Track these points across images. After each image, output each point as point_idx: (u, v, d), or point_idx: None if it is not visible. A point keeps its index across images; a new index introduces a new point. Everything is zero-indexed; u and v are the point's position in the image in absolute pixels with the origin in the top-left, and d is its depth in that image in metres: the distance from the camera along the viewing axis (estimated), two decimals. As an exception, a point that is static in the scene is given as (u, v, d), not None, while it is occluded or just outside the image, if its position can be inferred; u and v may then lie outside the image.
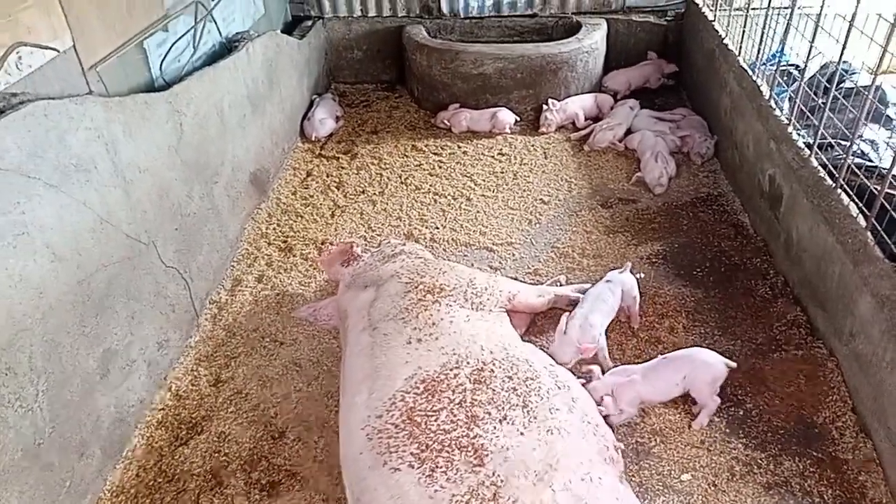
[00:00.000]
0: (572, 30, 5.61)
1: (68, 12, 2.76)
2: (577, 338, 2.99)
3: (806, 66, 3.62)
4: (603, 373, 2.95)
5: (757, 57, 4.28)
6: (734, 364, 2.89)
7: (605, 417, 2.69)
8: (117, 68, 3.15)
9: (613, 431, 2.64)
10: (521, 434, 2.33)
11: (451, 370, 2.56)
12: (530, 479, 2.19)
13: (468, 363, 2.60)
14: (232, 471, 2.74)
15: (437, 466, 2.22)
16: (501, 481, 2.16)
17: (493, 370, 2.57)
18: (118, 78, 3.15)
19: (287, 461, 2.79)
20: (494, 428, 2.34)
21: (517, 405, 2.44)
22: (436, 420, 2.36)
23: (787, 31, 3.76)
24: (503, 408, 2.42)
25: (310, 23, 5.81)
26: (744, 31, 4.44)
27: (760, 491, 2.57)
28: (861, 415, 2.76)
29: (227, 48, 4.28)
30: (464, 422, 2.35)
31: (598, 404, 2.70)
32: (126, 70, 3.23)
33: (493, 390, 2.48)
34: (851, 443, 2.71)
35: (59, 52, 2.62)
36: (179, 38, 3.66)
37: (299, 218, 4.38)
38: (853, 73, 4.23)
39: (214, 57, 4.07)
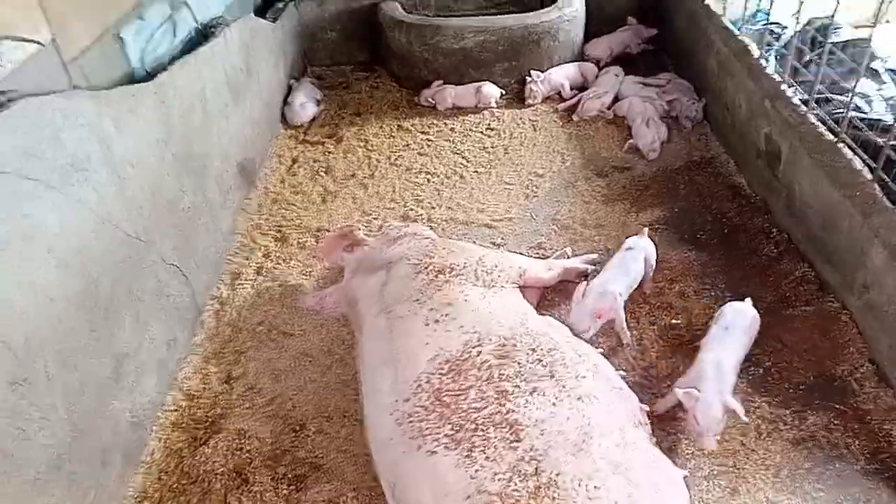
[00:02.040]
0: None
1: (45, 5, 2.62)
2: (594, 305, 2.96)
3: (797, 21, 3.61)
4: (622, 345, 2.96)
5: (743, 17, 4.28)
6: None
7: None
8: (97, 60, 3.00)
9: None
10: (554, 405, 2.31)
11: (473, 348, 2.52)
12: (569, 449, 2.17)
13: (490, 340, 2.56)
14: (256, 467, 2.68)
15: (474, 446, 2.18)
16: (541, 455, 2.14)
17: (515, 344, 2.54)
18: (99, 70, 3.00)
19: (311, 454, 2.74)
20: (526, 401, 2.31)
21: (545, 376, 2.41)
22: (465, 399, 2.33)
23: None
24: (531, 380, 2.39)
25: (281, 5, 5.62)
26: (727, -9, 4.42)
27: (788, 447, 2.60)
28: (879, 365, 2.80)
29: (203, 34, 4.12)
30: (494, 398, 2.32)
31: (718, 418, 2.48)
32: (106, 61, 3.09)
33: (519, 363, 2.45)
34: (872, 393, 2.74)
35: (43, 45, 2.48)
36: (158, 26, 3.52)
37: (291, 206, 4.28)
38: (837, 29, 4.24)
39: (192, 44, 3.92)
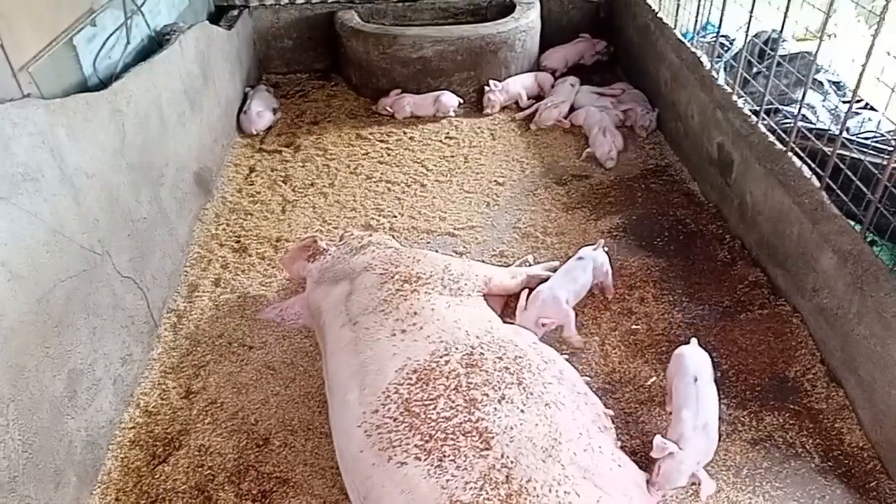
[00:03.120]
0: (506, 10, 5.59)
1: (-7, 8, 2.53)
2: (538, 312, 3.00)
3: (747, 34, 3.74)
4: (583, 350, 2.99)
5: (694, 29, 4.40)
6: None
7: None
8: (49, 67, 2.91)
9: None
10: (522, 412, 2.33)
11: (441, 357, 2.52)
12: (539, 455, 2.19)
13: (457, 349, 2.57)
14: (219, 484, 2.62)
15: (444, 455, 2.18)
16: (512, 462, 2.15)
17: (482, 353, 2.55)
18: (50, 78, 2.92)
19: (276, 468, 2.69)
20: (495, 409, 2.32)
21: (513, 383, 2.43)
22: (435, 408, 2.32)
23: (724, 4, 3.88)
24: (500, 387, 2.40)
25: (235, 12, 5.55)
26: (678, 4, 4.55)
27: (747, 447, 2.67)
28: (830, 365, 2.90)
29: (157, 42, 4.04)
30: (463, 406, 2.32)
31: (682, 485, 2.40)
32: (58, 69, 3.00)
33: (487, 372, 2.46)
34: (824, 392, 2.85)
35: (-10, 51, 2.39)
36: (111, 34, 3.43)
37: (249, 216, 4.21)
38: (782, 42, 4.41)
39: (145, 52, 3.84)
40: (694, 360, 2.70)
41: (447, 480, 2.12)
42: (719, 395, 2.71)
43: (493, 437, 2.22)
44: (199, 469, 2.68)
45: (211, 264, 3.79)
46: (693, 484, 2.45)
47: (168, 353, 3.22)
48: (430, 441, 2.23)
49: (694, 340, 2.83)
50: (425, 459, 2.18)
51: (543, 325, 2.99)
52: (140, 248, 3.19)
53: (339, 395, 2.53)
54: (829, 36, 5.46)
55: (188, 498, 2.57)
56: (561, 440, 2.27)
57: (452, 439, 2.23)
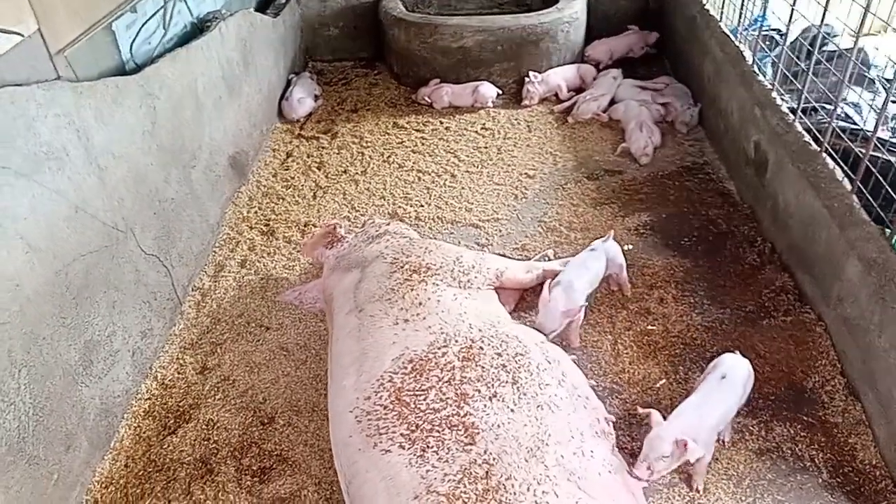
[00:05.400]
0: (551, 0, 5.52)
1: (31, -5, 2.66)
2: (563, 303, 2.93)
3: (788, 29, 3.57)
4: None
5: (738, 22, 4.24)
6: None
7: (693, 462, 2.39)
8: (86, 52, 3.05)
9: (605, 406, 2.63)
10: (512, 410, 2.32)
11: (439, 349, 2.53)
12: (522, 455, 2.18)
13: (456, 341, 2.57)
14: (222, 458, 2.71)
15: (427, 446, 2.20)
16: (493, 459, 2.15)
17: (481, 347, 2.55)
18: (87, 62, 3.05)
19: (277, 446, 2.76)
20: (485, 405, 2.32)
21: (507, 382, 2.42)
22: (425, 399, 2.34)
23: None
24: (493, 385, 2.40)
25: (283, 0, 5.67)
26: (725, -4, 4.39)
27: (752, 457, 2.58)
28: (850, 378, 2.77)
29: (198, 28, 4.16)
30: (453, 400, 2.33)
31: (665, 456, 2.29)
32: (95, 54, 3.13)
33: (483, 367, 2.46)
34: (841, 406, 2.72)
35: (23, 36, 2.52)
36: (149, 18, 3.56)
37: (281, 200, 4.31)
38: (834, 36, 4.19)
39: (186, 38, 3.97)
40: (733, 365, 2.60)
41: (427, 471, 2.13)
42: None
43: (478, 433, 2.22)
44: (205, 442, 2.78)
45: (239, 246, 3.91)
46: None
47: (189, 329, 3.35)
48: (416, 431, 2.25)
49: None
50: (409, 448, 2.20)
51: (569, 314, 2.90)
52: (166, 227, 3.32)
53: (338, 380, 2.57)
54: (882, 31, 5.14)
55: (191, 469, 2.67)
56: (549, 442, 2.25)
57: (438, 431, 2.24)
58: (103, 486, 2.62)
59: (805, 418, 2.70)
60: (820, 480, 2.49)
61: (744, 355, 2.67)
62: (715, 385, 2.52)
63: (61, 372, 2.46)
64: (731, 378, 2.54)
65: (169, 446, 2.76)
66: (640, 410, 2.55)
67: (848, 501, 2.41)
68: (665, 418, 2.41)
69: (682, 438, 2.27)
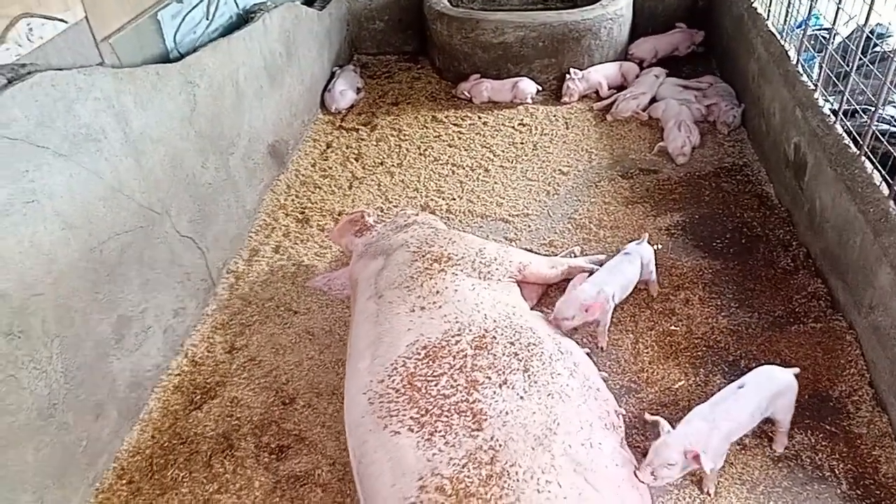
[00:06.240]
0: (598, -4, 5.46)
1: (79, -16, 2.79)
2: (586, 296, 2.89)
3: (833, 29, 3.46)
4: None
5: (785, 21, 4.12)
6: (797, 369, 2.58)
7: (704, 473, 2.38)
8: (131, 40, 3.18)
9: (618, 403, 2.62)
10: (521, 398, 2.34)
11: (452, 337, 2.57)
12: (529, 442, 2.20)
13: (470, 330, 2.60)
14: (243, 434, 2.81)
15: (435, 430, 2.23)
16: (500, 445, 2.17)
17: (495, 336, 2.57)
18: (132, 50, 3.18)
19: (296, 426, 2.84)
20: (494, 393, 2.34)
21: (518, 370, 2.44)
22: (436, 385, 2.38)
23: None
24: (503, 372, 2.42)
25: (330, -7, 5.77)
26: (773, -6, 4.27)
27: (769, 463, 2.53)
28: (878, 389, 2.68)
29: (243, 19, 4.28)
30: (463, 387, 2.36)
31: (671, 464, 2.27)
32: (140, 42, 3.26)
33: (494, 356, 2.48)
34: (867, 417, 2.64)
35: (67, 23, 2.65)
36: (193, 8, 3.68)
37: (317, 189, 4.40)
38: (888, 37, 4.04)
39: (231, 28, 4.08)
40: (759, 375, 2.51)
41: (433, 454, 2.17)
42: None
43: (486, 420, 2.25)
44: (228, 419, 2.88)
45: (274, 232, 4.01)
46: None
47: (221, 310, 3.46)
48: (426, 415, 2.29)
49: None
50: (417, 432, 2.24)
51: (586, 310, 2.87)
52: (202, 211, 3.44)
53: (353, 363, 2.63)
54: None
55: (213, 444, 2.77)
56: (557, 431, 2.25)
57: (447, 416, 2.27)
58: (130, 454, 2.74)
59: (828, 427, 2.63)
60: (838, 491, 2.42)
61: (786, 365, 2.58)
62: (730, 394, 2.46)
63: (92, 343, 2.59)
64: (749, 388, 2.46)
65: (194, 420, 2.87)
66: (648, 417, 2.53)
67: (865, 514, 2.34)
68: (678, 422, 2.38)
69: (691, 449, 2.24)
